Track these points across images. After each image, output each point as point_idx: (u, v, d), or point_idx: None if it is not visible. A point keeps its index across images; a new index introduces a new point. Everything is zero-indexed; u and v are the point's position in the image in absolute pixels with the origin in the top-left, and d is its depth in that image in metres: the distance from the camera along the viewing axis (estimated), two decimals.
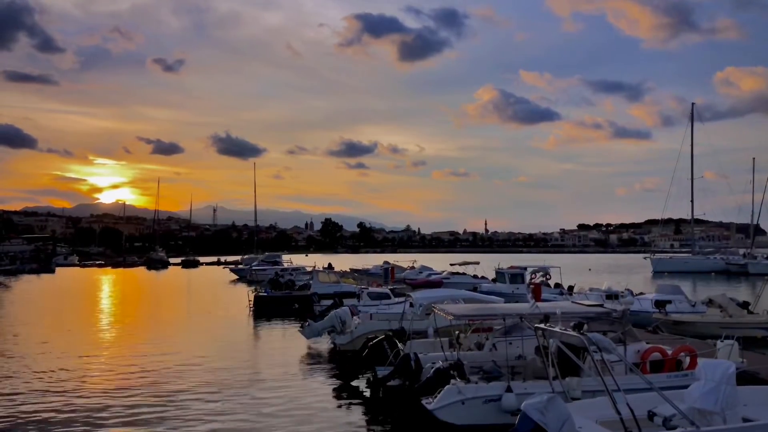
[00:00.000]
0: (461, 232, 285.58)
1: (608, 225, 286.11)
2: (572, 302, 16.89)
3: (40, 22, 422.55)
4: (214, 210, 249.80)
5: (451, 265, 53.28)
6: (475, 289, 33.16)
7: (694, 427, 7.54)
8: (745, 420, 8.08)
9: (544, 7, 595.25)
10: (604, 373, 8.45)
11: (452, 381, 11.71)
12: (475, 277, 47.02)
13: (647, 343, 14.14)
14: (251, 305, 34.05)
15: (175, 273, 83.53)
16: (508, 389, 11.25)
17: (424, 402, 11.60)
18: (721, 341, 13.65)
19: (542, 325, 10.79)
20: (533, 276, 37.74)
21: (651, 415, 8.07)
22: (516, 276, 37.98)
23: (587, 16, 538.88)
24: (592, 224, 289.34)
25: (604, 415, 8.09)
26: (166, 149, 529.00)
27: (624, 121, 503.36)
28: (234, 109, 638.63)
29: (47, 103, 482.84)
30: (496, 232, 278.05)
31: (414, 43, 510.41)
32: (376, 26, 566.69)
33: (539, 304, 14.51)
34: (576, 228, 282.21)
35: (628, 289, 31.89)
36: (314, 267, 51.70)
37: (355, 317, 21.46)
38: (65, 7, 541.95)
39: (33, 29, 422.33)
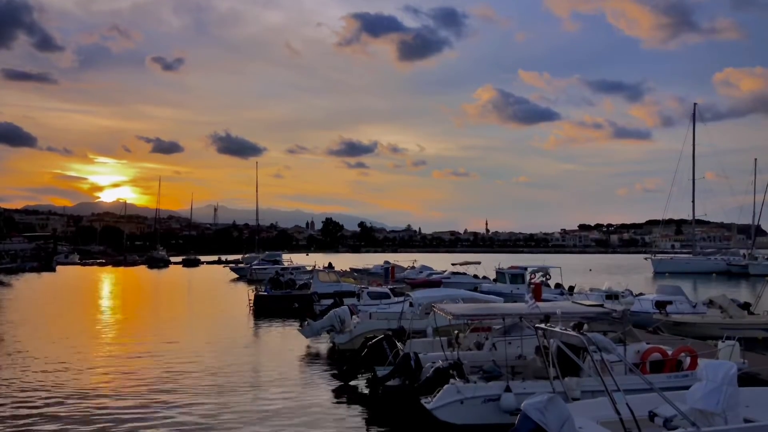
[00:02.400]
0: (462, 231, 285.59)
1: (609, 225, 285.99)
2: (572, 302, 16.85)
3: (38, 20, 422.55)
4: (215, 209, 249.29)
5: (453, 264, 53.27)
6: (475, 289, 33.16)
7: (695, 427, 7.50)
8: (747, 421, 8.03)
9: (543, 7, 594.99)
10: (604, 374, 8.40)
11: (451, 380, 11.68)
12: (476, 277, 46.99)
13: (647, 343, 14.10)
14: (251, 304, 34.04)
15: (176, 272, 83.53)
16: (507, 389, 11.21)
17: (423, 401, 11.57)
18: (722, 342, 13.60)
19: (543, 325, 10.75)
20: (533, 276, 37.69)
21: (652, 416, 8.03)
22: (516, 276, 37.98)
23: (586, 16, 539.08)
24: (593, 224, 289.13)
25: (605, 416, 8.04)
26: (165, 148, 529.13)
27: (624, 121, 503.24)
28: (234, 108, 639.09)
29: (46, 101, 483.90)
30: (496, 232, 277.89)
31: (413, 43, 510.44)
32: (374, 25, 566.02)
33: (539, 304, 14.46)
34: (577, 228, 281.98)
35: (627, 290, 31.86)
36: (314, 266, 51.66)
37: (354, 316, 21.43)
38: (64, 6, 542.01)
39: (32, 28, 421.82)
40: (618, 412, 7.47)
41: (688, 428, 7.53)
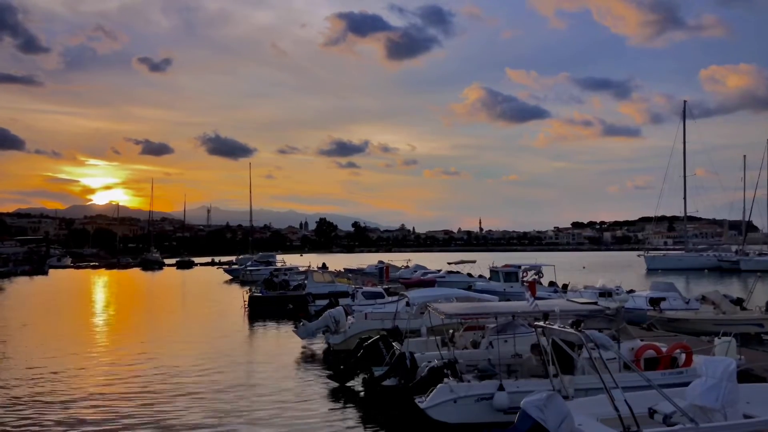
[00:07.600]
0: (456, 231, 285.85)
1: (602, 223, 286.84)
2: (567, 300, 16.86)
3: (23, 21, 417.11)
4: (208, 210, 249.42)
5: (449, 264, 53.38)
6: (469, 288, 33.22)
7: (694, 424, 7.46)
8: (746, 417, 8.00)
9: (528, 6, 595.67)
10: (602, 371, 8.36)
11: (445, 380, 11.63)
12: (470, 275, 47.02)
13: (642, 340, 14.09)
14: (246, 305, 33.87)
15: (169, 274, 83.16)
16: (501, 388, 11.16)
17: (417, 401, 11.52)
18: (719, 338, 13.60)
19: (542, 323, 10.71)
20: (525, 274, 37.72)
21: (651, 412, 7.99)
22: (510, 274, 38.05)
23: (572, 14, 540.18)
24: (586, 222, 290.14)
25: (604, 413, 8.00)
26: (154, 150, 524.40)
27: (613, 119, 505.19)
28: (223, 108, 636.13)
29: (33, 103, 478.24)
30: (490, 230, 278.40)
31: (401, 42, 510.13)
32: (360, 25, 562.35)
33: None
34: (570, 226, 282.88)
35: (618, 286, 32.03)
36: (308, 267, 51.53)
37: (349, 317, 21.37)
38: (49, 7, 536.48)
39: (16, 29, 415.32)
40: (617, 409, 7.42)
41: (687, 425, 7.50)
